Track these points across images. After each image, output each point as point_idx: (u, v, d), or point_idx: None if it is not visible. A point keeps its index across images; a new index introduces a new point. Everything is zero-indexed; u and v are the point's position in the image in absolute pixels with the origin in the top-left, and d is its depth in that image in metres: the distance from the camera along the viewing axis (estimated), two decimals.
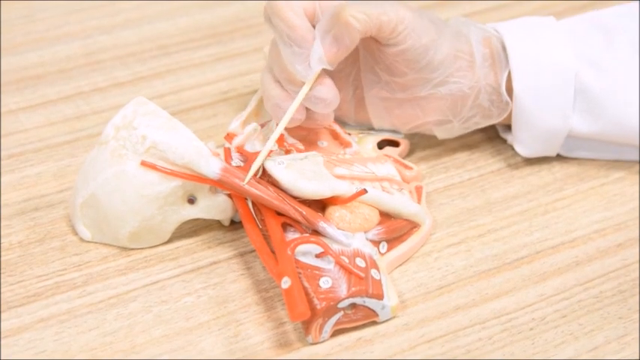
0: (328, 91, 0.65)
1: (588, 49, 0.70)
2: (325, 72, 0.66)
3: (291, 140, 0.68)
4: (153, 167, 0.63)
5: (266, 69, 0.68)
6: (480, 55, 0.69)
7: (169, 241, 0.66)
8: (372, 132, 0.73)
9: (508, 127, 0.73)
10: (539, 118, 0.70)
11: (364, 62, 0.70)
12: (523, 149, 0.72)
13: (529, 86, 0.69)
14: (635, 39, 0.69)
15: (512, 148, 0.74)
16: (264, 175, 0.64)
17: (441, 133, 0.72)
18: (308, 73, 0.64)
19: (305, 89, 0.65)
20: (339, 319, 0.60)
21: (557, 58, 0.69)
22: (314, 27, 0.65)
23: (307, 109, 0.66)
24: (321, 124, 0.68)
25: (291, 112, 0.65)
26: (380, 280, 0.61)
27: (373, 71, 0.70)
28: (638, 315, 0.62)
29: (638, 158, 0.72)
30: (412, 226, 0.66)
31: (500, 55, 0.69)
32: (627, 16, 0.71)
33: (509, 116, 0.71)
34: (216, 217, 0.66)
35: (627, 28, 0.70)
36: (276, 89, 0.66)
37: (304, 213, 0.63)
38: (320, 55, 0.64)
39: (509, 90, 0.70)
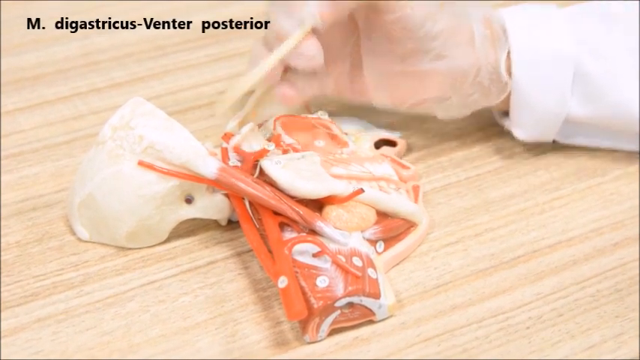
0: (312, 47, 0.65)
1: (588, 34, 0.70)
2: (321, 40, 0.65)
3: (288, 140, 0.68)
4: (150, 167, 0.63)
5: (259, 38, 0.68)
6: (480, 34, 0.69)
7: (167, 240, 0.66)
8: (369, 131, 0.73)
9: (505, 114, 0.73)
10: (538, 101, 0.70)
11: (363, 30, 0.69)
12: (521, 132, 0.72)
13: (528, 68, 0.69)
14: (635, 25, 0.69)
15: (510, 149, 0.74)
16: (262, 175, 0.64)
17: (440, 112, 0.72)
18: (295, 28, 0.64)
19: (289, 42, 0.64)
20: (336, 318, 0.60)
21: (556, 42, 0.69)
22: None
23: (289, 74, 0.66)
24: (301, 94, 0.68)
25: (270, 62, 0.65)
26: (377, 279, 0.62)
27: (372, 39, 0.69)
28: (634, 314, 0.62)
29: (635, 147, 0.72)
30: (409, 225, 0.66)
31: (500, 37, 0.69)
32: (628, 3, 0.71)
33: (507, 101, 0.71)
34: (214, 217, 0.66)
35: (627, 15, 0.70)
36: (262, 49, 0.66)
37: (301, 212, 0.63)
38: (313, 11, 0.63)
39: (509, 72, 0.69)
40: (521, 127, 0.72)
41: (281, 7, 0.65)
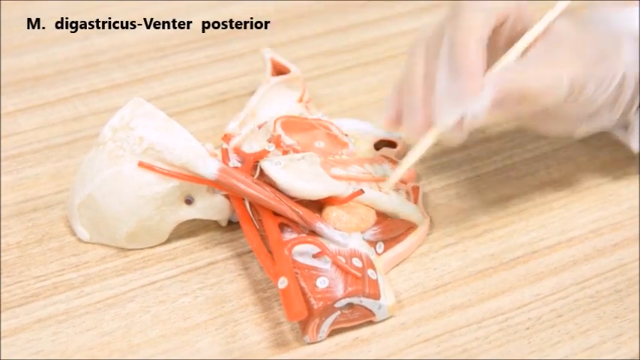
0: (457, 138, 0.61)
1: None
2: None
3: (288, 141, 0.69)
4: (150, 168, 0.63)
5: (423, 42, 0.62)
6: (628, 90, 0.65)
7: (167, 241, 0.67)
8: (369, 132, 0.73)
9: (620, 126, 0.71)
10: None
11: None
12: (637, 145, 0.69)
13: None
14: None
15: (509, 149, 0.75)
16: (262, 176, 0.64)
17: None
18: (450, 118, 0.59)
19: (436, 133, 0.61)
20: (336, 318, 0.60)
21: None
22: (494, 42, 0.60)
23: None
24: None
25: (414, 157, 0.63)
26: (376, 279, 0.62)
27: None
28: (633, 314, 0.62)
29: None
30: (409, 226, 0.67)
31: None
32: None
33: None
34: (214, 218, 0.66)
35: None
36: (419, 93, 0.61)
37: (301, 213, 0.63)
38: (479, 112, 0.58)
39: None
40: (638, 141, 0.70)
41: (445, 82, 0.59)
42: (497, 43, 0.63)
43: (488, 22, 0.59)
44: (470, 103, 0.58)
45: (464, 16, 0.59)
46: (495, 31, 0.62)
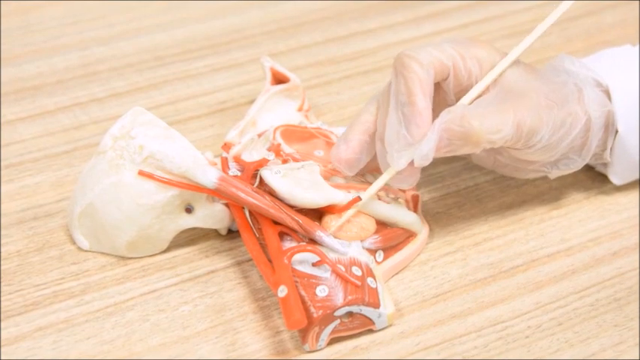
0: (413, 179, 0.64)
1: None
2: None
3: (288, 150, 0.69)
4: (150, 177, 0.63)
5: (378, 99, 0.66)
6: (597, 134, 0.67)
7: (167, 250, 0.67)
8: None
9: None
10: (638, 153, 0.69)
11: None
12: (617, 179, 0.71)
13: (633, 124, 0.68)
14: None
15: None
16: (261, 185, 0.64)
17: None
18: (402, 162, 0.62)
19: (390, 174, 0.63)
20: (335, 327, 0.60)
21: None
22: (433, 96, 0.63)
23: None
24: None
25: (377, 187, 0.64)
26: (376, 288, 0.62)
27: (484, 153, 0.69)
28: (633, 323, 0.62)
29: None
30: (408, 234, 0.67)
31: (613, 121, 0.68)
32: None
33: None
34: (214, 227, 0.67)
35: None
36: (359, 129, 0.65)
37: (301, 222, 0.63)
38: (427, 154, 0.61)
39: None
40: (619, 176, 0.71)
41: (397, 118, 0.62)
42: (447, 101, 0.66)
43: (428, 73, 0.62)
44: (419, 145, 0.61)
45: (408, 69, 0.62)
46: (441, 86, 0.65)
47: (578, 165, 0.68)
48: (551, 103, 0.65)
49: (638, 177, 0.72)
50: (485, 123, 0.62)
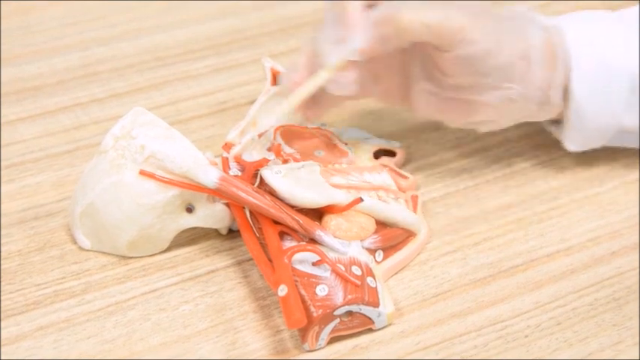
0: (347, 78, 0.65)
1: None
2: (372, 58, 0.65)
3: (288, 150, 0.69)
4: (151, 176, 0.64)
5: (318, 35, 0.67)
6: (538, 60, 0.67)
7: (167, 249, 0.67)
8: (369, 141, 0.73)
9: (554, 121, 0.73)
10: (594, 117, 0.69)
11: (416, 56, 0.69)
12: (572, 145, 0.72)
13: (589, 88, 0.68)
14: None
15: (507, 158, 0.75)
16: (262, 184, 0.65)
17: (483, 129, 0.71)
18: (333, 57, 0.64)
19: (325, 73, 0.65)
20: (335, 326, 0.61)
21: (615, 57, 0.68)
22: None
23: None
24: (314, 114, 0.68)
25: (308, 88, 0.65)
26: (376, 287, 0.62)
27: (424, 66, 0.69)
28: (632, 322, 0.63)
29: None
30: (408, 234, 0.67)
31: (559, 58, 0.68)
32: None
33: (559, 111, 0.70)
34: (214, 226, 0.67)
35: None
36: (303, 57, 0.67)
37: (301, 221, 0.63)
38: (358, 46, 0.63)
39: (555, 86, 0.69)
40: (574, 141, 0.72)
41: (330, 32, 0.65)
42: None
43: None
44: (351, 40, 0.63)
45: None
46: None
47: (517, 92, 0.67)
48: (488, 14, 0.66)
49: (594, 145, 0.72)
50: (413, 10, 0.63)
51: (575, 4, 0.89)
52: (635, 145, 0.73)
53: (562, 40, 0.69)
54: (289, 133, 0.70)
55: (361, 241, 0.64)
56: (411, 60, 0.69)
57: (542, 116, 0.71)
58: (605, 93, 0.69)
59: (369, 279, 0.62)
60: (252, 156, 0.68)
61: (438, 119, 0.71)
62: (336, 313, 0.60)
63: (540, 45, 0.68)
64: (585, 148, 0.72)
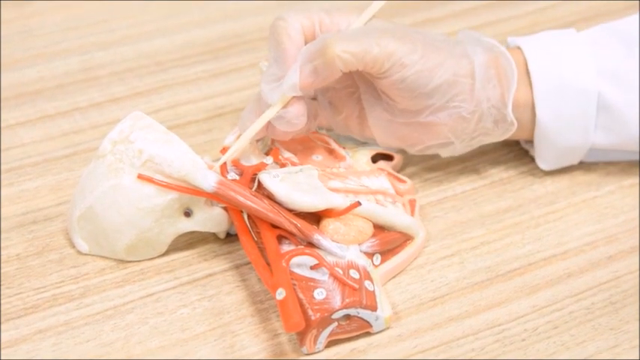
0: (293, 113, 0.66)
1: (609, 62, 0.69)
2: (328, 89, 0.67)
3: (286, 154, 0.69)
4: (149, 180, 0.64)
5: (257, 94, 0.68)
6: (483, 77, 0.68)
7: (165, 253, 0.67)
8: (366, 145, 0.73)
9: (529, 140, 0.73)
10: (562, 137, 0.70)
11: (363, 85, 0.70)
12: (544, 165, 0.73)
13: (552, 106, 0.69)
14: None
15: (505, 162, 0.75)
16: (260, 188, 0.65)
17: (444, 153, 0.72)
18: (274, 95, 0.65)
19: (270, 112, 0.66)
20: (333, 330, 0.61)
21: (578, 75, 0.69)
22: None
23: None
24: (279, 138, 0.68)
25: (255, 128, 0.66)
26: (373, 291, 0.62)
27: (373, 93, 0.69)
28: (629, 326, 0.63)
29: None
30: (406, 238, 0.67)
31: (507, 74, 0.69)
32: None
33: (530, 131, 0.71)
34: (212, 230, 0.67)
35: None
36: (252, 101, 0.68)
37: (299, 225, 0.63)
38: (294, 82, 0.65)
39: (518, 106, 0.69)
40: (545, 160, 0.72)
41: (269, 64, 0.67)
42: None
43: (294, 26, 0.67)
44: (288, 77, 0.65)
45: (275, 26, 0.67)
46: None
47: (467, 110, 0.68)
48: (422, 37, 0.67)
49: (567, 164, 0.73)
50: (341, 39, 0.64)
51: (576, 5, 0.90)
52: (623, 159, 0.73)
53: (518, 59, 0.69)
54: None
55: (359, 244, 0.64)
56: (364, 89, 0.70)
57: (503, 135, 0.71)
58: (571, 114, 0.69)
59: (366, 282, 0.62)
60: (250, 160, 0.68)
61: (399, 146, 0.71)
62: (334, 316, 0.60)
63: (484, 63, 0.68)
64: (557, 167, 0.73)
